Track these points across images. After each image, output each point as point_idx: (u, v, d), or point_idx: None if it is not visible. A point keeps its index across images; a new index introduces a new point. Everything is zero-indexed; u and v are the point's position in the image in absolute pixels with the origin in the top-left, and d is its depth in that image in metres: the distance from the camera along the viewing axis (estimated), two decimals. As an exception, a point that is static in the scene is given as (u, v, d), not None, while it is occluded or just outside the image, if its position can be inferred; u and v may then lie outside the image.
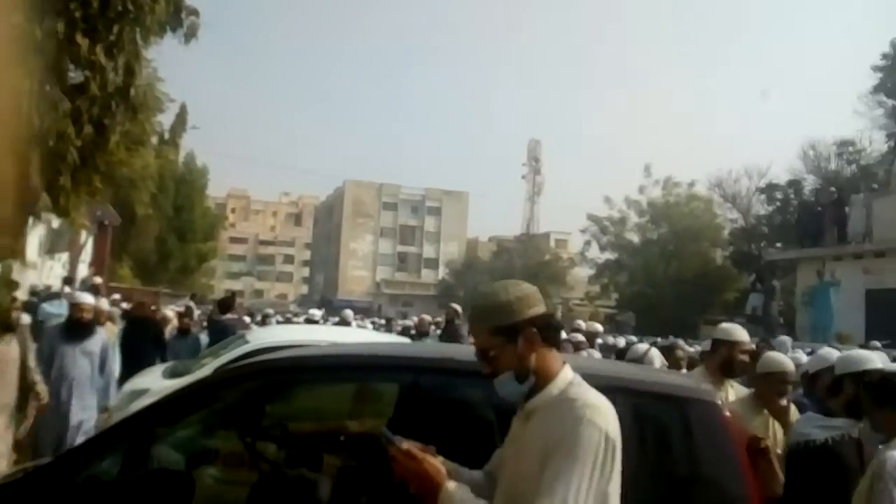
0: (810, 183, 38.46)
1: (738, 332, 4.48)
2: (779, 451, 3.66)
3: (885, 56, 39.36)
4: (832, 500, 2.76)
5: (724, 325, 4.77)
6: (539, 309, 1.89)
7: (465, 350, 4.87)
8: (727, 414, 3.26)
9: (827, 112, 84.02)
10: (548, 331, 1.88)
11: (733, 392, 4.42)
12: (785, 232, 36.21)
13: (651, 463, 3.05)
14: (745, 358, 4.34)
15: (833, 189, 31.70)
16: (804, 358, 6.92)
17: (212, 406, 3.47)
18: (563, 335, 11.06)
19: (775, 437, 3.89)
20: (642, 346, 5.77)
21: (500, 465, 1.99)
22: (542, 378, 1.87)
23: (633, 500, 2.96)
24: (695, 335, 27.25)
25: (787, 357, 4.56)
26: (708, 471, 3.01)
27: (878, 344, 10.58)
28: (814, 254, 27.28)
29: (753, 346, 4.61)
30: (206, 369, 6.06)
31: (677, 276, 39.18)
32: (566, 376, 1.88)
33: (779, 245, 36.04)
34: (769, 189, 40.14)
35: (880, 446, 3.00)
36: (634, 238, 43.88)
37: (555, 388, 1.86)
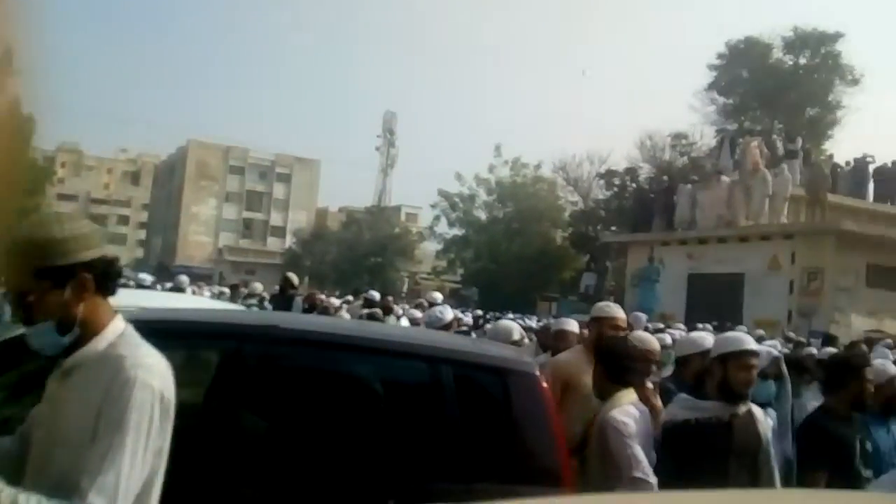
0: (646, 171, 40.90)
1: (611, 309, 4.51)
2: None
3: (720, 56, 42.36)
4: (698, 481, 2.79)
5: (600, 302, 4.89)
6: (98, 252, 1.65)
7: (290, 318, 4.71)
8: (545, 385, 3.37)
9: (665, 105, 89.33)
10: (105, 278, 1.66)
11: None
12: (620, 216, 38.29)
13: (470, 431, 3.12)
14: (615, 333, 4.30)
15: (665, 178, 33.82)
16: (668, 339, 7.16)
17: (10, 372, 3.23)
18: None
19: None
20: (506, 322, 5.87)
21: (34, 425, 1.74)
22: (89, 331, 1.64)
23: (447, 467, 3.05)
24: (533, 311, 28.43)
25: (652, 337, 4.70)
26: (523, 440, 3.11)
27: (709, 327, 11.14)
28: (644, 238, 29.00)
29: (625, 324, 4.52)
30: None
31: (520, 253, 40.51)
32: (116, 328, 1.67)
33: (614, 228, 38.08)
34: (608, 175, 42.28)
35: None
36: (482, 215, 44.89)
37: (101, 341, 1.64)
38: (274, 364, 3.19)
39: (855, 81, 40.31)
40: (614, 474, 3.20)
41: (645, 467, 3.16)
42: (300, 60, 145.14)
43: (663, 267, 26.72)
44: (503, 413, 3.12)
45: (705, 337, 4.71)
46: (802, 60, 41.11)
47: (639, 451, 3.19)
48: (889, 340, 11.50)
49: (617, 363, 3.54)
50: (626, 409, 3.32)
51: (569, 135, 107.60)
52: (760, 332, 12.29)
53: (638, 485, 3.10)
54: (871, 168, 27.56)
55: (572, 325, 5.35)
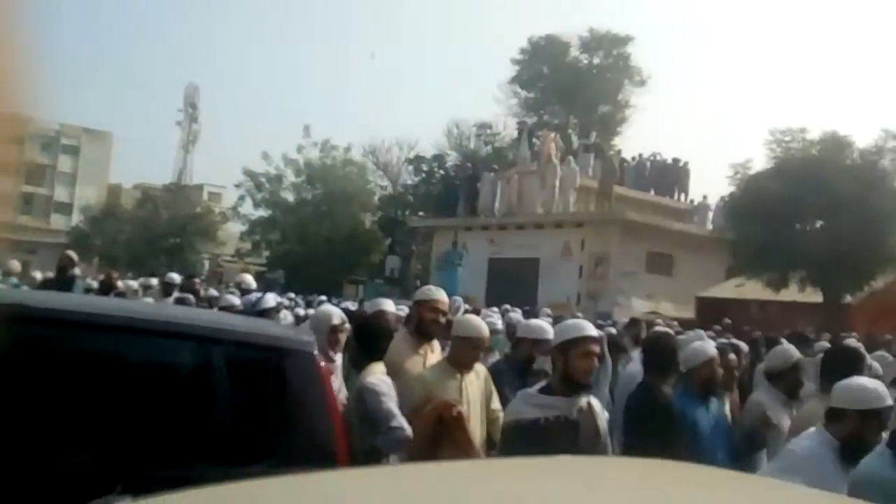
0: (452, 158, 41.97)
1: (432, 293, 4.46)
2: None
3: (523, 51, 44.23)
4: None
5: (425, 286, 4.86)
6: None
7: (40, 297, 4.24)
8: (323, 365, 3.27)
9: (472, 95, 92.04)
10: None
11: (433, 355, 4.36)
12: (427, 201, 39.01)
13: (242, 412, 2.95)
14: (435, 316, 4.32)
15: (469, 166, 34.89)
16: (500, 323, 7.09)
17: None
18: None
19: (468, 402, 3.87)
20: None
21: None
22: None
23: (212, 450, 2.87)
24: (339, 294, 28.29)
25: (482, 320, 4.57)
26: (298, 420, 3.00)
27: (518, 310, 11.34)
28: (449, 223, 29.73)
29: (446, 307, 4.49)
30: None
31: (329, 236, 40.08)
32: None
33: (421, 213, 38.74)
34: (416, 161, 42.89)
35: None
36: (290, 197, 43.88)
37: None
38: (17, 345, 2.83)
39: (642, 82, 43.72)
40: (374, 429, 3.42)
41: (400, 419, 3.44)
42: (92, 21, 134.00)
43: (466, 252, 27.56)
44: (277, 393, 3.00)
45: (541, 324, 5.02)
46: (596, 60, 43.90)
47: (394, 406, 3.49)
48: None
49: (368, 339, 3.92)
50: (378, 375, 3.68)
51: (379, 119, 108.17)
52: (547, 310, 12.94)
53: (395, 433, 3.40)
54: (652, 163, 30.11)
55: (389, 305, 5.29)
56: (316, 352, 3.11)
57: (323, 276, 35.57)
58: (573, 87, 41.83)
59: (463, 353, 4.02)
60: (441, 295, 4.45)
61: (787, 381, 4.50)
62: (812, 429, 3.13)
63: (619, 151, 32.57)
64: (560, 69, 42.64)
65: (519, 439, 3.15)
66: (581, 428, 3.22)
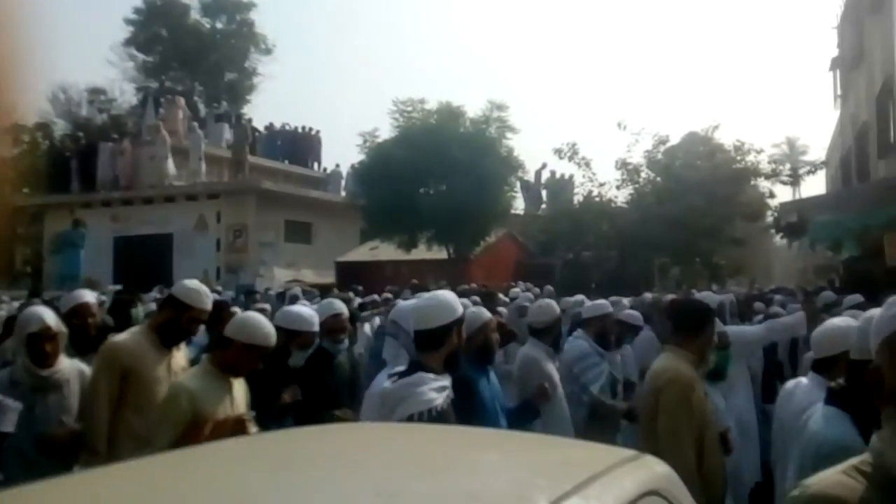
0: (61, 128, 37.24)
1: (202, 298, 3.88)
2: None
3: (137, 11, 40.68)
4: None
5: (190, 286, 3.97)
6: None
7: None
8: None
9: (79, 57, 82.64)
10: None
11: (179, 355, 4.00)
12: (33, 177, 34.20)
13: None
14: (194, 328, 3.98)
15: (82, 135, 31.31)
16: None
17: None
18: None
19: (237, 411, 3.46)
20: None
21: None
22: None
23: None
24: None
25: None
26: None
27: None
28: (62, 200, 26.48)
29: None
30: None
31: None
32: None
33: (25, 191, 33.88)
34: (15, 130, 37.28)
35: None
36: None
37: None
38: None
39: (268, 51, 43.19)
40: None
41: None
42: None
43: (87, 230, 24.81)
44: None
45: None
46: (220, 25, 42.27)
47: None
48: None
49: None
50: None
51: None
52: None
53: None
54: (284, 133, 30.01)
55: (89, 297, 4.57)
56: None
57: None
58: (196, 52, 39.80)
59: (245, 360, 3.49)
60: (209, 303, 3.91)
61: (551, 335, 4.91)
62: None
63: (249, 120, 31.88)
64: (180, 33, 40.20)
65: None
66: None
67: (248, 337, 3.42)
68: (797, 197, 24.35)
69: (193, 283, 3.95)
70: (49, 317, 3.63)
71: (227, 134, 26.98)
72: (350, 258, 23.43)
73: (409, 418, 2.85)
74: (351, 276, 19.63)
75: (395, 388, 3.00)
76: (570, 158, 21.66)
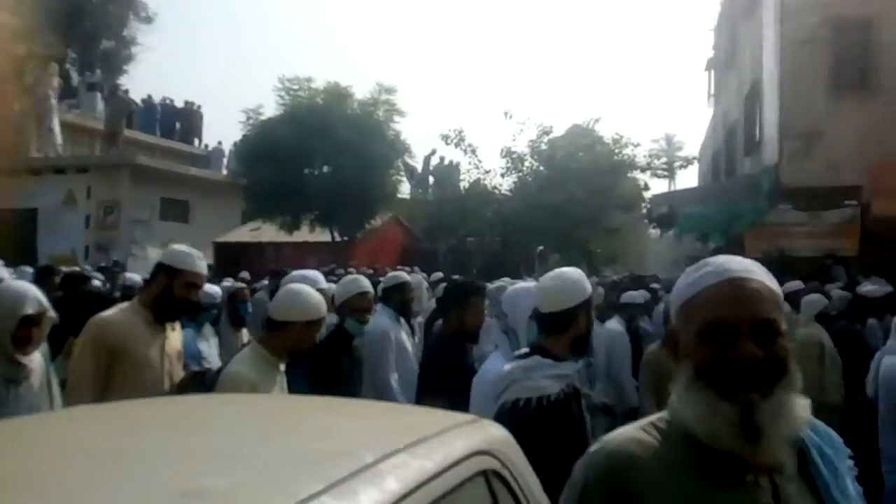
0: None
1: (192, 260, 3.46)
2: None
3: (2, -30, 37.86)
4: None
5: (177, 248, 3.60)
6: None
7: None
8: None
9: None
10: None
11: (174, 336, 3.60)
12: None
13: None
14: (191, 294, 3.49)
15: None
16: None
17: None
18: None
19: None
20: None
21: None
22: None
23: None
24: None
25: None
26: None
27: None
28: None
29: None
30: None
31: None
32: None
33: None
34: None
35: None
36: None
37: None
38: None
39: (148, 19, 41.13)
40: None
41: None
42: None
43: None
44: None
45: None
46: (96, -11, 39.97)
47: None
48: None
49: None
50: None
51: None
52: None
53: None
54: (163, 107, 28.71)
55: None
56: None
57: None
58: (69, 16, 37.43)
59: (307, 338, 3.30)
60: (203, 266, 3.48)
61: (397, 300, 5.13)
62: None
63: (126, 92, 30.30)
64: (52, -5, 37.72)
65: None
66: None
67: (305, 314, 3.25)
68: (672, 190, 25.54)
69: (182, 246, 3.58)
70: (42, 297, 3.21)
71: (100, 104, 25.54)
72: (230, 238, 22.75)
73: (514, 405, 2.65)
74: (230, 258, 19.08)
75: (508, 371, 2.77)
76: (457, 145, 21.86)
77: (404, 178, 22.03)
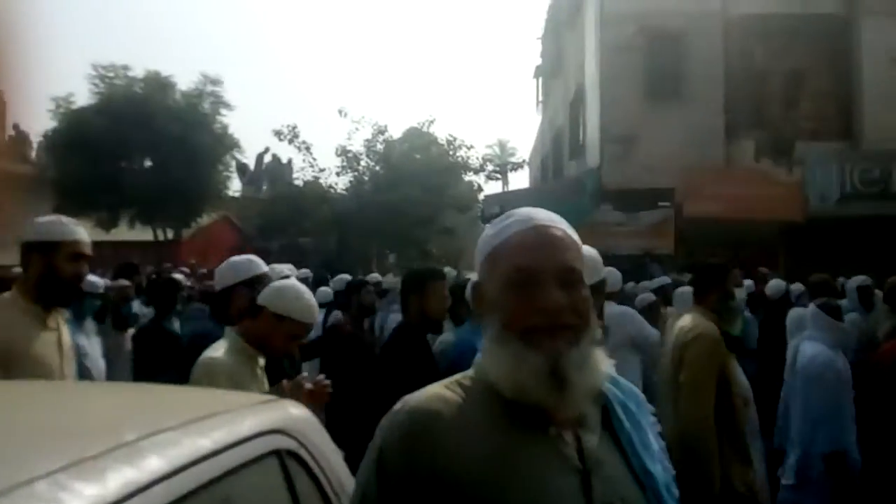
0: None
1: (68, 229, 2.82)
2: None
3: None
4: None
5: (50, 217, 2.94)
6: None
7: None
8: None
9: None
10: None
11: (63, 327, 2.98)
12: None
13: None
14: (78, 268, 2.81)
15: None
16: None
17: None
18: None
19: None
20: None
21: None
22: None
23: None
24: None
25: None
26: None
27: None
28: None
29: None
30: None
31: None
32: None
33: None
34: None
35: None
36: None
37: None
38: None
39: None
40: None
41: None
42: None
43: None
44: None
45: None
46: None
47: None
48: None
49: None
50: None
51: None
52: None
53: None
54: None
55: None
56: None
57: None
58: None
59: (284, 339, 2.92)
60: (82, 233, 2.78)
61: None
62: None
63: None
64: None
65: None
66: None
67: (299, 313, 2.91)
68: (504, 191, 26.31)
69: (48, 217, 2.92)
70: None
71: None
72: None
73: None
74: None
75: None
76: (291, 141, 21.32)
77: (235, 175, 21.20)
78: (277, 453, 1.50)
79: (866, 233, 12.30)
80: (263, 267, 3.56)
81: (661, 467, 1.36)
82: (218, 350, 2.88)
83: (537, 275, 1.26)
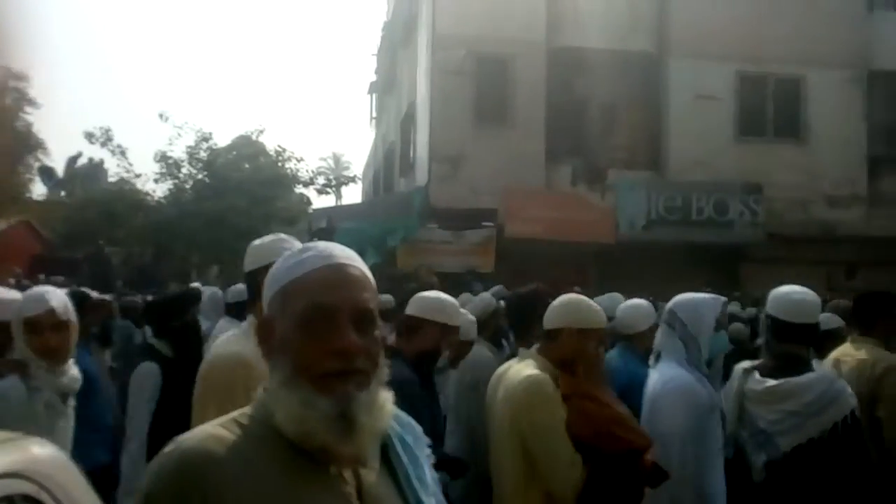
0: None
1: None
2: None
3: None
4: None
5: None
6: None
7: None
8: None
9: None
10: None
11: None
12: None
13: None
14: None
15: None
16: None
17: None
18: None
19: None
20: None
21: None
22: None
23: None
24: None
25: None
26: None
27: None
28: None
29: None
30: None
31: None
32: None
33: None
34: None
35: None
36: None
37: None
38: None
39: None
40: None
41: None
42: None
43: None
44: None
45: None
46: None
47: None
48: None
49: None
50: None
51: None
52: None
53: None
54: None
55: None
56: None
57: None
58: None
59: None
60: None
61: None
62: None
63: None
64: None
65: None
66: None
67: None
68: (333, 206, 26.04)
69: None
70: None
71: None
72: None
73: (843, 421, 2.81)
74: None
75: (823, 384, 2.90)
76: (104, 145, 19.93)
77: (37, 178, 19.49)
78: (9, 499, 1.37)
79: (669, 256, 13.32)
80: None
81: (434, 501, 1.37)
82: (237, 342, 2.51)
83: (335, 314, 1.24)
